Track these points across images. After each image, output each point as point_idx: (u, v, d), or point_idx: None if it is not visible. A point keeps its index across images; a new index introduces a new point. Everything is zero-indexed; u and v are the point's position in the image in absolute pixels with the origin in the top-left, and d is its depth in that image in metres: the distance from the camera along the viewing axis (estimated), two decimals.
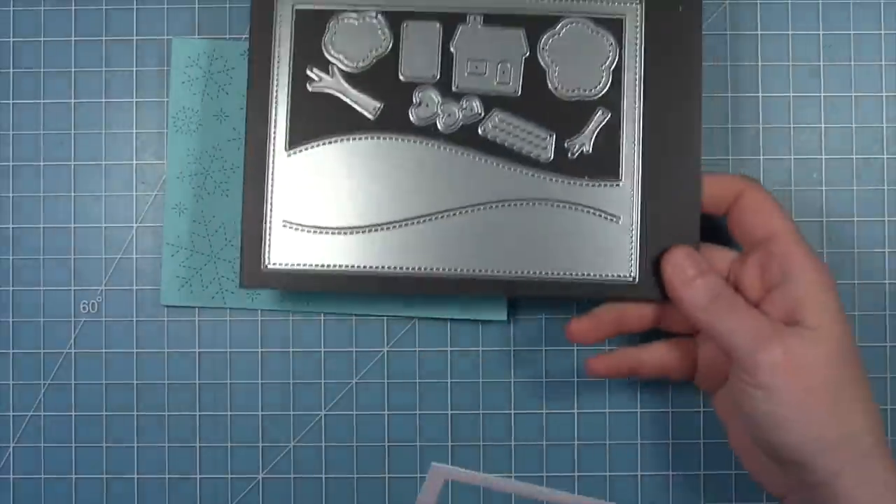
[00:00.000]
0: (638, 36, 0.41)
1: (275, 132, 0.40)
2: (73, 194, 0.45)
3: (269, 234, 0.40)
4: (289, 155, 0.41)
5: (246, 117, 0.40)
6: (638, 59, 0.41)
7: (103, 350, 0.45)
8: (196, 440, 0.44)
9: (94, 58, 0.45)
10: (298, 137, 0.41)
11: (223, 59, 0.44)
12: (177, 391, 0.44)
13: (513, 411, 0.45)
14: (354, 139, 0.41)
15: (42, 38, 0.45)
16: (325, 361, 0.45)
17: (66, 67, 0.45)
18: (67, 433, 0.44)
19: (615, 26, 0.41)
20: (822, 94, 0.45)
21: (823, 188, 0.45)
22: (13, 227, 0.45)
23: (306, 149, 0.41)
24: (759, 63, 0.45)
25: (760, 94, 0.45)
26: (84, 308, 0.45)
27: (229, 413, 0.44)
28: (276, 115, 0.40)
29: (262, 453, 0.45)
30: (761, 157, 0.45)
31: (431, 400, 0.45)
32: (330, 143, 0.41)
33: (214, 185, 0.44)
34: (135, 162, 0.45)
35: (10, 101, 0.45)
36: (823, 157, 0.45)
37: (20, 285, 0.45)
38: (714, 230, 0.42)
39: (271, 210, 0.40)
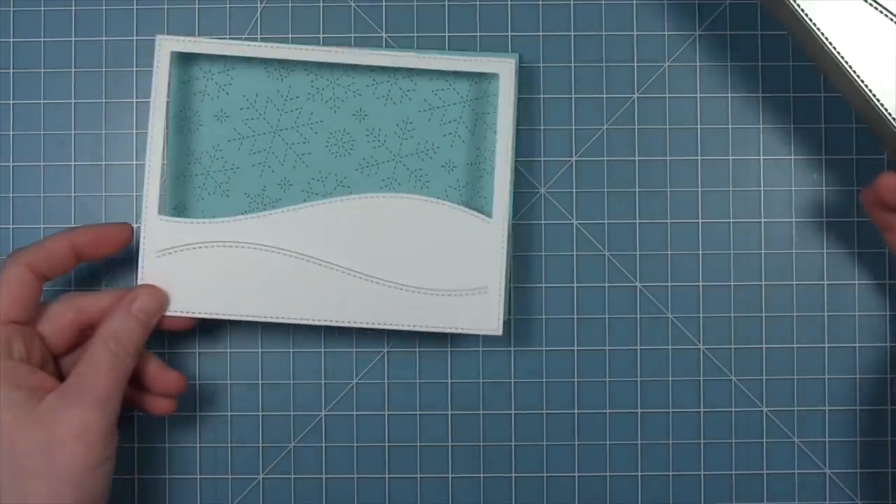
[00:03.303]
0: None
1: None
2: (73, 194, 0.45)
3: None
4: None
5: None
6: None
7: None
8: (196, 440, 0.44)
9: (93, 58, 0.45)
10: None
11: (223, 59, 0.44)
12: None
13: (513, 411, 0.45)
14: None
15: (42, 39, 0.45)
16: (325, 361, 0.45)
17: (66, 67, 0.45)
18: None
19: None
20: (822, 95, 0.45)
21: (823, 188, 0.45)
22: (13, 228, 0.45)
23: None
24: (759, 63, 0.45)
25: (760, 95, 0.45)
26: None
27: (229, 413, 0.44)
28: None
29: (262, 453, 0.45)
30: (761, 157, 0.45)
31: (431, 400, 0.45)
32: None
33: (215, 186, 0.44)
34: (135, 162, 0.45)
35: (11, 102, 0.45)
36: (823, 157, 0.45)
37: None
38: None
39: None
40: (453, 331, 0.42)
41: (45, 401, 0.37)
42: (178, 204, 0.44)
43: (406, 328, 0.42)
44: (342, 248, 0.42)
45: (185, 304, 0.41)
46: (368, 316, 0.41)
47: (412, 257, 0.42)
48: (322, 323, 0.41)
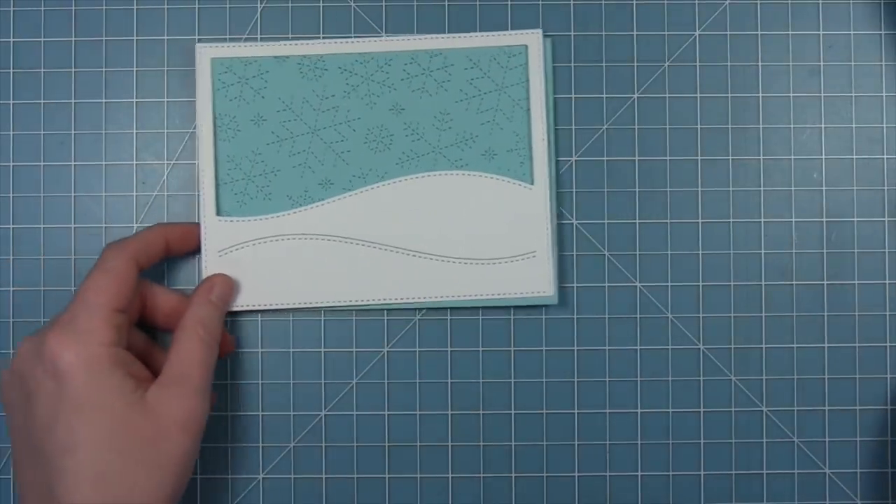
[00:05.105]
0: None
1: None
2: (73, 194, 0.45)
3: None
4: None
5: None
6: None
7: None
8: None
9: (94, 58, 0.45)
10: None
11: (256, 63, 0.44)
12: None
13: (513, 411, 0.45)
14: None
15: (42, 38, 0.45)
16: (325, 361, 0.45)
17: (66, 67, 0.45)
18: None
19: None
20: (822, 94, 0.45)
21: (823, 188, 0.45)
22: (13, 228, 0.45)
23: None
24: (759, 63, 0.45)
25: (760, 94, 0.45)
26: None
27: (229, 413, 0.44)
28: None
29: (262, 453, 0.45)
30: (761, 157, 0.45)
31: (431, 400, 0.45)
32: None
33: (256, 190, 0.44)
34: (135, 162, 0.45)
35: (11, 102, 0.45)
36: (823, 157, 0.45)
37: (20, 285, 0.45)
38: None
39: None
40: (511, 296, 0.44)
41: (150, 391, 0.38)
42: (220, 209, 0.44)
43: (466, 300, 0.44)
44: (394, 229, 0.44)
45: (250, 299, 0.44)
46: (429, 292, 0.44)
47: (462, 230, 0.44)
48: (383, 304, 0.44)
